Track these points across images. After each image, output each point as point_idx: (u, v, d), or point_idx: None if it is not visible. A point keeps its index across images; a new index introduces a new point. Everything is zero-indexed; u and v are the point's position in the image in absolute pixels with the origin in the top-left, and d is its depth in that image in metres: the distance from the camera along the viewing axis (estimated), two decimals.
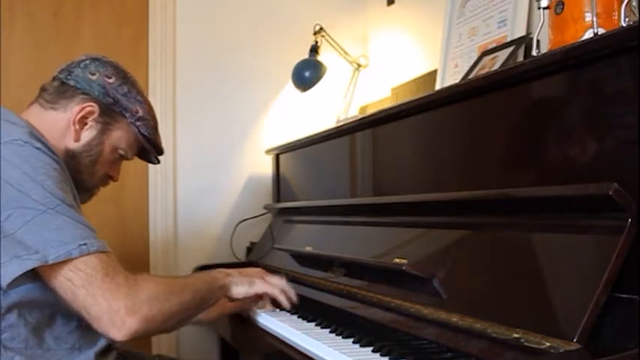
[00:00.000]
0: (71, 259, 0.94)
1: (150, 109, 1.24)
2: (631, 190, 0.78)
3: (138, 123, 1.21)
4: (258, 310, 1.35)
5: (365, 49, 2.36)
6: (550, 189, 0.91)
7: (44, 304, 1.03)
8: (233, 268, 1.48)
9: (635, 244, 0.76)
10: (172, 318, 1.05)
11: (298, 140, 1.91)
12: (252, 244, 2.13)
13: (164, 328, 1.07)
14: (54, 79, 1.18)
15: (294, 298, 1.29)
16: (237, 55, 2.27)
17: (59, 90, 1.16)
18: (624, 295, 0.75)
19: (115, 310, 0.95)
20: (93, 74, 1.16)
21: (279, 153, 2.12)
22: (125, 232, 2.12)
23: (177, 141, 2.16)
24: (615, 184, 0.77)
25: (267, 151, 2.17)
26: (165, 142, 2.12)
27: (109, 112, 1.17)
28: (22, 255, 0.93)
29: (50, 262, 0.93)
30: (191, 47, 2.21)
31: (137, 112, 1.20)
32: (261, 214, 2.14)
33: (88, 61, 1.18)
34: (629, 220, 0.77)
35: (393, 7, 2.21)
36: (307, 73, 2.12)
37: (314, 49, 2.16)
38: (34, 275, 0.97)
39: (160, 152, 1.31)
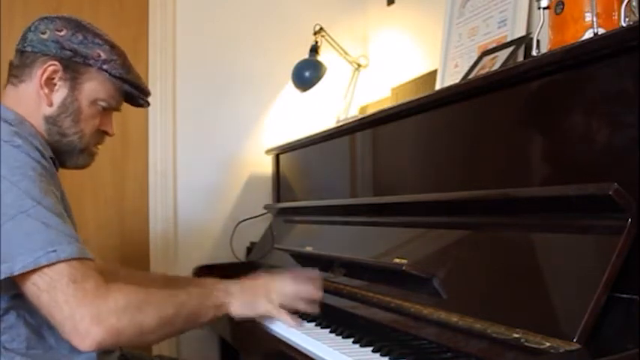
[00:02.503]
0: (39, 267, 0.90)
1: (114, 48, 1.15)
2: (631, 190, 0.78)
3: (105, 66, 1.13)
4: None
5: (365, 49, 2.36)
6: (550, 189, 0.91)
7: None
8: (233, 268, 1.47)
9: (635, 244, 0.76)
10: (149, 332, 0.98)
11: (298, 140, 1.91)
12: (252, 244, 2.13)
13: (140, 341, 0.99)
14: (15, 52, 1.13)
15: (317, 295, 1.16)
16: (237, 55, 2.27)
17: (21, 61, 1.11)
18: (624, 295, 0.75)
19: (78, 318, 0.90)
20: (44, 33, 1.10)
21: (279, 153, 2.12)
22: (125, 232, 2.11)
23: (177, 141, 2.16)
24: (615, 184, 0.77)
25: (267, 151, 2.17)
26: (166, 142, 2.16)
27: (72, 65, 1.11)
28: None
29: (16, 273, 0.90)
30: (191, 47, 2.21)
31: (99, 55, 1.12)
32: (261, 214, 2.13)
33: (37, 22, 1.13)
34: (629, 220, 0.77)
35: (393, 7, 2.21)
36: (307, 73, 2.12)
37: (314, 49, 2.16)
38: (15, 284, 0.95)
39: (143, 92, 1.22)
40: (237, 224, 2.14)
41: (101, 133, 1.18)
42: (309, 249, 1.51)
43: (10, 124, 1.01)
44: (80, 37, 1.12)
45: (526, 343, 0.78)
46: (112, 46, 1.15)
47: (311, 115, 2.32)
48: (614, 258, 0.75)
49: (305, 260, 1.54)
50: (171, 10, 2.18)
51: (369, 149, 1.56)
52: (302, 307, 1.15)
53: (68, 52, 1.10)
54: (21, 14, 2.02)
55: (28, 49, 1.10)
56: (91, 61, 1.11)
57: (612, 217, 0.79)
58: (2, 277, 0.90)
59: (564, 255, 0.85)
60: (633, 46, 0.81)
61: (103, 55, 1.12)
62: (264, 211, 2.11)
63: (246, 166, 2.27)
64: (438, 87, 1.69)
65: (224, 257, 2.11)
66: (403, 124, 1.38)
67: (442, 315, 0.95)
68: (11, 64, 1.13)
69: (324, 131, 1.75)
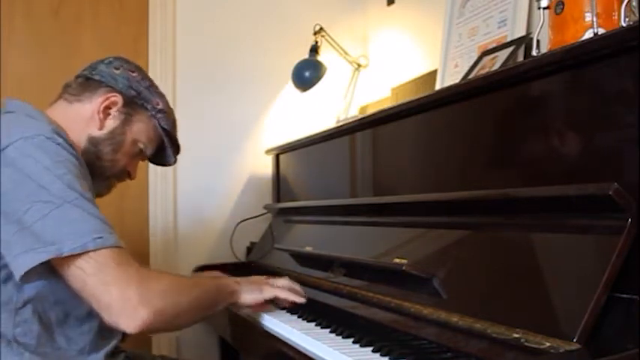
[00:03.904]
0: (86, 252, 0.95)
1: (169, 105, 1.29)
2: (631, 190, 0.78)
3: (159, 115, 1.25)
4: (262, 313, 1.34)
5: (365, 49, 2.36)
6: (550, 189, 0.91)
7: (58, 302, 1.04)
8: (233, 268, 1.49)
9: (635, 244, 0.76)
10: (182, 314, 1.06)
11: (298, 140, 1.91)
12: (252, 244, 2.13)
13: (174, 323, 1.07)
14: (77, 77, 1.24)
15: (303, 293, 1.29)
16: (237, 55, 2.27)
17: (84, 84, 1.21)
18: (624, 295, 0.75)
19: (126, 298, 0.95)
20: (117, 69, 1.22)
21: (279, 153, 2.12)
22: (125, 232, 2.10)
23: None
24: (615, 184, 0.77)
25: (267, 151, 2.17)
26: None
27: (132, 103, 1.22)
28: (36, 248, 0.93)
29: (65, 254, 0.94)
30: (191, 47, 2.21)
31: (158, 104, 1.25)
32: (261, 214, 2.13)
33: (111, 59, 1.24)
34: (629, 220, 0.77)
35: (393, 7, 2.21)
36: (307, 73, 2.12)
37: (314, 49, 2.16)
38: (49, 271, 0.98)
39: (178, 149, 1.34)
40: (237, 224, 2.14)
41: (125, 173, 1.28)
42: (309, 249, 1.51)
43: (47, 124, 1.08)
44: (147, 83, 1.25)
45: (526, 343, 0.78)
46: (167, 103, 1.29)
47: (311, 115, 2.32)
48: (614, 258, 0.75)
49: (305, 260, 1.55)
50: (171, 10, 2.18)
51: (369, 149, 1.56)
52: (294, 297, 1.27)
53: (133, 92, 1.22)
54: (21, 14, 2.02)
55: (96, 77, 1.21)
56: (149, 106, 1.24)
57: (612, 217, 0.79)
58: (50, 256, 0.93)
59: (564, 255, 0.85)
60: (633, 46, 0.81)
61: (161, 105, 1.26)
62: (264, 211, 2.11)
63: (246, 166, 2.27)
64: (438, 87, 1.69)
65: (224, 257, 2.11)
66: (403, 124, 1.38)
67: (442, 315, 0.95)
68: (68, 85, 1.23)
69: (324, 131, 1.75)
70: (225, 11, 2.27)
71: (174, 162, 1.36)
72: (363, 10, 2.40)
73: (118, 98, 1.20)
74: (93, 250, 0.95)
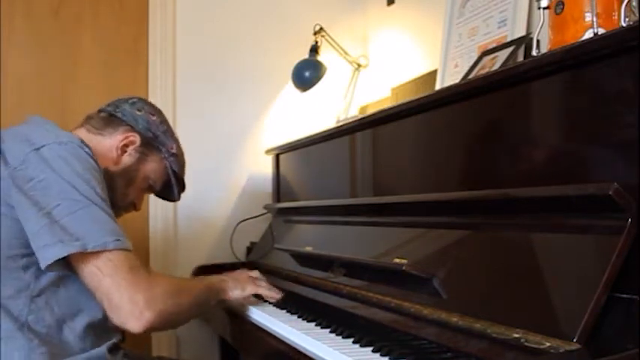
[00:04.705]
0: (104, 251, 1.04)
1: (181, 149, 1.42)
2: (631, 190, 0.78)
3: (171, 159, 1.37)
4: (248, 305, 1.40)
5: (365, 49, 2.36)
6: (550, 189, 0.91)
7: (68, 297, 1.11)
8: (233, 268, 1.50)
9: (635, 244, 0.76)
10: (182, 314, 1.17)
11: (298, 140, 1.91)
12: (252, 244, 2.13)
13: (174, 323, 1.18)
14: (100, 111, 1.34)
15: (279, 295, 1.40)
16: (237, 55, 2.27)
17: (107, 120, 1.31)
18: (624, 295, 0.75)
19: (135, 301, 1.04)
20: (139, 111, 1.34)
21: (279, 153, 2.12)
22: (125, 232, 2.11)
23: None
24: (615, 184, 0.77)
25: (267, 151, 2.17)
26: None
27: (148, 145, 1.33)
28: (65, 240, 1.02)
29: (89, 250, 1.02)
30: (191, 47, 2.21)
31: (172, 148, 1.37)
32: (261, 214, 2.13)
33: (135, 99, 1.36)
34: (629, 220, 0.77)
35: (393, 7, 2.21)
36: (307, 73, 2.12)
37: (314, 49, 2.16)
38: (65, 266, 1.05)
39: (184, 188, 1.45)
40: (237, 224, 2.14)
41: (132, 206, 1.38)
42: (309, 249, 1.51)
43: (74, 136, 1.16)
44: (164, 128, 1.37)
45: (526, 343, 0.78)
46: (180, 147, 1.41)
47: (311, 115, 2.32)
48: (614, 258, 0.75)
49: (305, 260, 1.55)
50: (171, 10, 2.17)
51: (369, 149, 1.56)
52: (269, 298, 1.40)
53: (151, 134, 1.33)
54: (21, 14, 2.02)
55: (119, 115, 1.32)
56: (163, 149, 1.36)
57: (612, 217, 0.79)
58: (76, 250, 1.02)
59: (564, 255, 0.85)
60: (633, 46, 0.81)
61: (174, 150, 1.38)
62: (264, 211, 2.11)
63: (246, 166, 2.27)
64: (438, 87, 1.69)
65: (224, 257, 2.11)
66: (403, 124, 1.38)
67: (442, 315, 0.95)
68: (91, 117, 1.33)
69: (324, 131, 1.75)
70: (225, 11, 2.27)
71: (179, 199, 1.45)
72: (363, 10, 2.40)
73: (137, 138, 1.31)
74: (110, 251, 1.04)
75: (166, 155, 1.36)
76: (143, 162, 1.33)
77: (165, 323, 1.11)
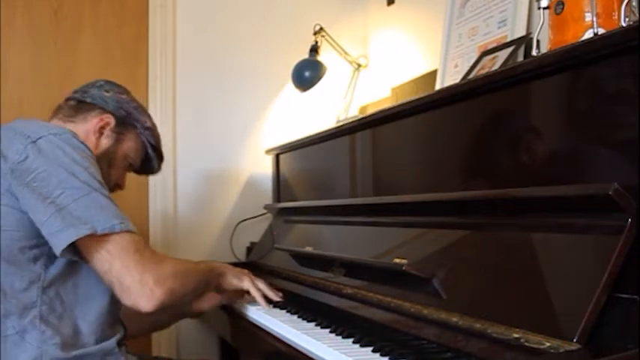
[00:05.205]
0: (112, 234, 1.07)
1: (154, 122, 1.42)
2: (631, 190, 0.77)
3: (146, 132, 1.38)
4: (248, 305, 1.40)
5: (365, 49, 2.36)
6: (550, 189, 0.91)
7: (76, 285, 1.14)
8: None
9: (635, 244, 0.76)
10: (188, 293, 1.22)
11: (298, 140, 1.91)
12: (252, 244, 2.13)
13: (180, 300, 1.21)
14: (68, 99, 1.34)
15: (276, 298, 1.40)
16: (237, 55, 2.27)
17: (77, 107, 1.32)
18: (624, 295, 0.75)
19: (144, 281, 1.08)
20: (107, 92, 1.34)
21: (279, 153, 2.12)
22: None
23: (177, 141, 2.16)
24: (615, 184, 0.77)
25: (267, 151, 2.17)
26: (165, 142, 2.14)
27: (124, 123, 1.34)
28: (75, 224, 1.05)
29: (99, 232, 1.06)
30: (191, 47, 2.21)
31: (145, 122, 1.38)
32: (261, 214, 2.13)
33: (102, 82, 1.36)
34: (629, 220, 0.77)
35: (393, 7, 2.21)
36: (307, 73, 2.12)
37: (314, 49, 2.16)
38: (73, 253, 1.08)
39: (162, 158, 1.47)
40: (237, 224, 2.14)
41: (116, 185, 1.39)
42: (309, 249, 1.51)
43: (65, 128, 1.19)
44: (135, 104, 1.38)
45: (526, 343, 0.78)
46: (153, 121, 1.42)
47: (311, 115, 2.32)
48: (614, 258, 0.75)
49: (305, 260, 1.55)
50: (171, 10, 2.17)
51: (369, 149, 1.56)
52: (260, 301, 1.39)
53: (123, 112, 1.34)
54: (21, 14, 2.02)
55: (88, 99, 1.32)
56: (138, 125, 1.36)
57: (612, 217, 0.79)
58: (88, 233, 1.05)
59: (564, 255, 0.85)
60: (633, 46, 0.81)
61: (148, 123, 1.39)
62: (264, 211, 2.11)
63: (247, 166, 2.27)
64: (438, 87, 1.69)
65: (224, 257, 2.10)
66: (403, 124, 1.38)
67: (442, 315, 0.95)
68: (60, 107, 1.34)
69: (324, 131, 1.75)
70: (225, 11, 2.27)
71: (159, 170, 1.48)
72: (363, 10, 2.40)
73: (111, 119, 1.32)
74: (117, 233, 1.08)
75: (142, 130, 1.37)
76: (120, 141, 1.34)
77: (173, 301, 1.14)
